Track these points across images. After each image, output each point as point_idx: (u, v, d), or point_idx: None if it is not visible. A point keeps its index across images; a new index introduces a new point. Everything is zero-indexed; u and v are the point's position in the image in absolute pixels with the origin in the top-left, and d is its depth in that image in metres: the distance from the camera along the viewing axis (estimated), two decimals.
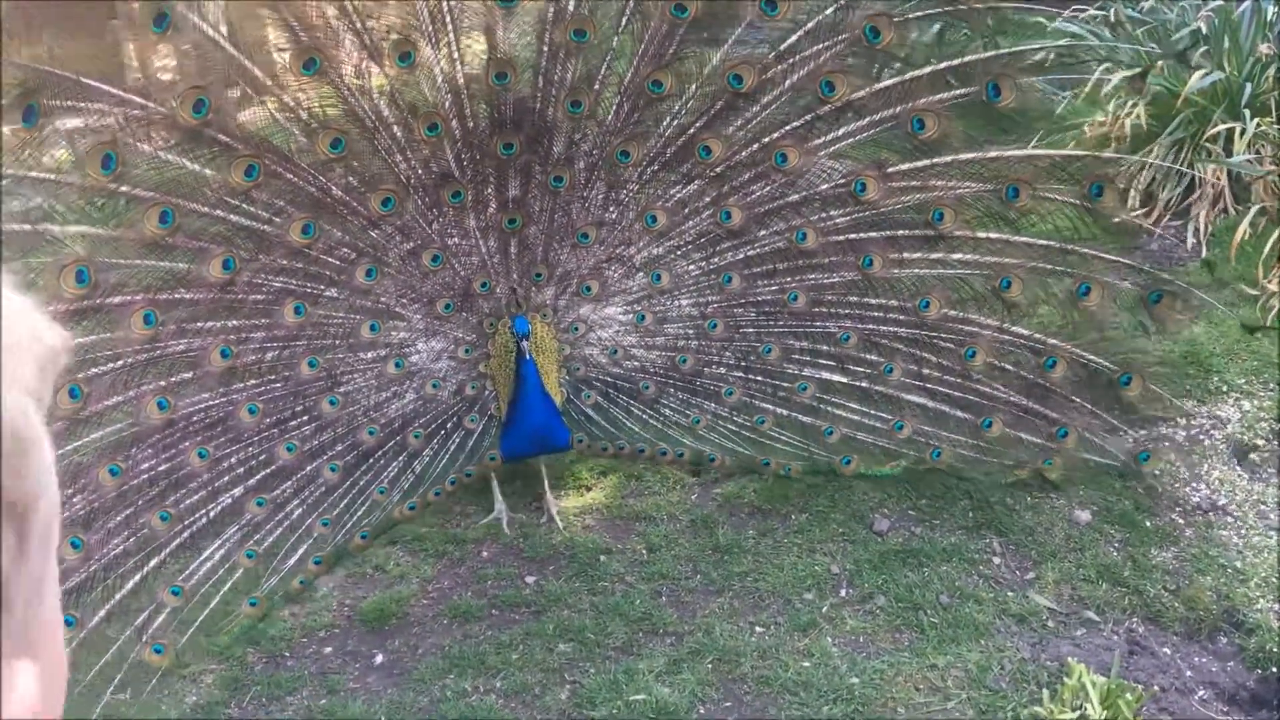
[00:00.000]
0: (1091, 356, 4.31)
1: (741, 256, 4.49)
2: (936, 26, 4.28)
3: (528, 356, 4.19)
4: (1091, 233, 4.22)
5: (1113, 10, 6.45)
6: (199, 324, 3.99)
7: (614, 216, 4.45)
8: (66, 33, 3.75)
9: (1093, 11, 6.71)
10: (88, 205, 3.72)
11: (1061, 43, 6.27)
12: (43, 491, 0.63)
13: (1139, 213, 5.84)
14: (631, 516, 4.63)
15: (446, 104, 4.12)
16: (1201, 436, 4.75)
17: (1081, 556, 4.27)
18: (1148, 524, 4.36)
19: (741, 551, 4.37)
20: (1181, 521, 4.37)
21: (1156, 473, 4.51)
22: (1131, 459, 4.45)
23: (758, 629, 4.09)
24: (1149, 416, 4.61)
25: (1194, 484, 4.54)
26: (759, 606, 4.19)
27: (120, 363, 3.85)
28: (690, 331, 4.60)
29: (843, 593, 4.23)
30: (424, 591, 4.29)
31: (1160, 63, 6.10)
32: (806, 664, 3.90)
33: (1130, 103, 6.03)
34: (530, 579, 4.32)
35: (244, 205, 3.96)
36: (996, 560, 4.32)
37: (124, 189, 3.72)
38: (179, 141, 3.82)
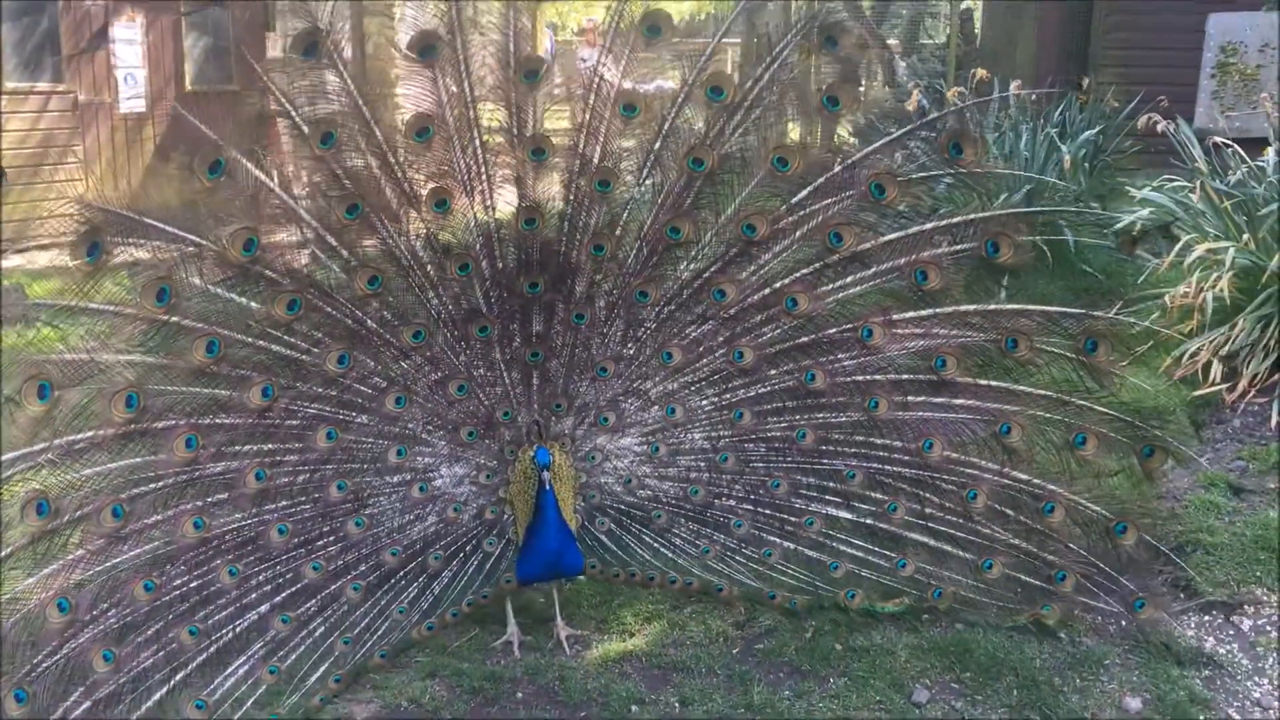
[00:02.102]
0: (1087, 503, 4.48)
1: (753, 394, 4.69)
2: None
3: (548, 487, 4.37)
4: (1085, 385, 4.41)
5: (1198, 183, 6.66)
6: (236, 447, 4.21)
7: (632, 352, 4.67)
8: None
9: (1180, 183, 6.94)
10: (141, 335, 3.99)
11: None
12: None
13: (1222, 387, 5.96)
14: (669, 666, 4.60)
15: (477, 246, 4.40)
16: (1269, 628, 4.67)
17: None
18: (1201, 717, 4.23)
19: (774, 712, 4.29)
20: (1238, 717, 4.24)
21: (1150, 620, 4.57)
22: (1126, 606, 4.57)
23: None
24: (1220, 602, 4.68)
25: (1255, 678, 4.44)
26: None
27: (161, 483, 4.08)
28: (702, 464, 4.78)
29: None
30: None
31: (1245, 236, 6.28)
32: None
33: (1214, 275, 6.14)
34: None
35: (285, 336, 4.24)
36: None
37: (175, 320, 4.01)
38: (229, 277, 4.12)
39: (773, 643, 4.71)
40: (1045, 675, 4.43)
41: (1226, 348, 6.06)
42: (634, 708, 4.36)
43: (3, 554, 3.83)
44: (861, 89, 15.81)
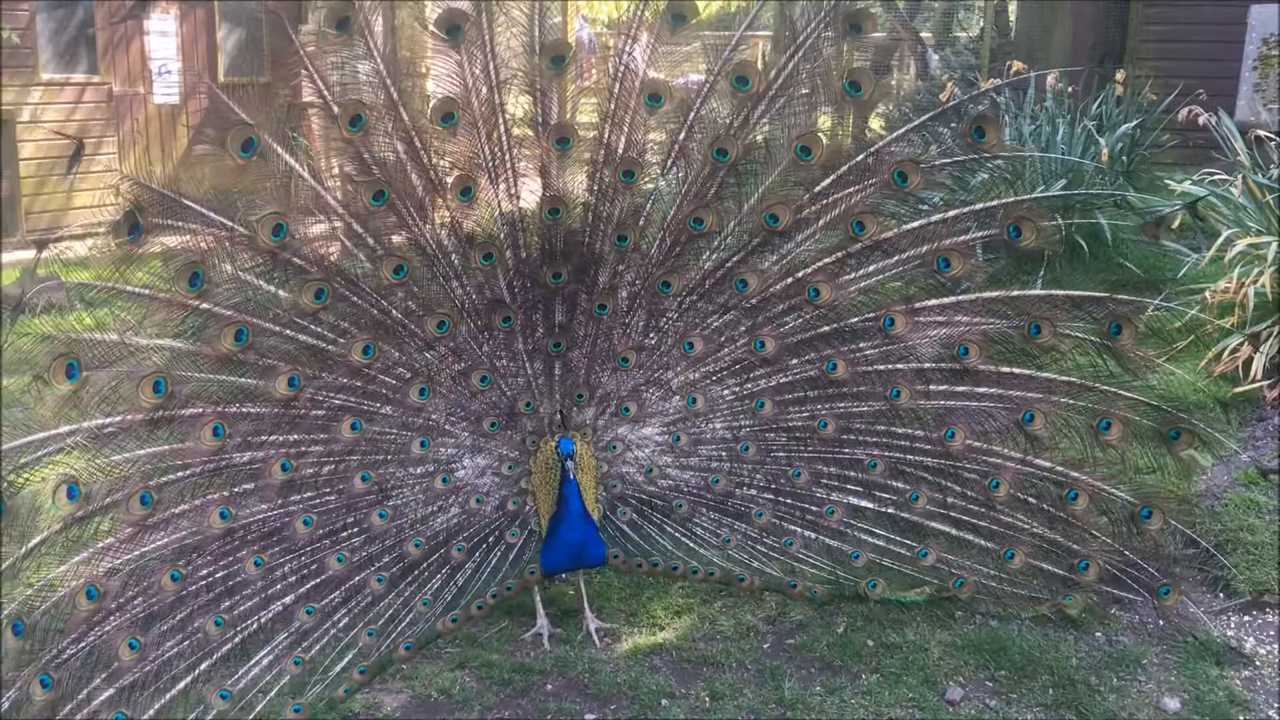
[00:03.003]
0: (1111, 490, 4.48)
1: (774, 383, 4.69)
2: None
3: (571, 477, 4.37)
4: (1110, 370, 4.41)
5: (1240, 177, 6.58)
6: (263, 437, 4.21)
7: (653, 342, 4.68)
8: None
9: (1222, 176, 6.87)
10: (172, 320, 3.99)
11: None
12: None
13: (1263, 384, 5.88)
14: (699, 660, 4.58)
15: (501, 235, 4.41)
16: None
17: None
18: (1241, 718, 4.15)
19: (805, 708, 4.25)
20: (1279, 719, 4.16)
21: (1174, 607, 4.58)
22: (1150, 593, 4.58)
23: None
24: (1260, 601, 4.65)
25: None
26: None
27: (188, 472, 4.08)
28: (723, 453, 4.78)
29: None
30: None
31: None
32: None
33: (1256, 270, 6.03)
34: (590, 717, 4.28)
35: (311, 326, 4.24)
36: None
37: (205, 306, 4.03)
38: (258, 263, 4.14)
39: (804, 638, 4.69)
40: (1081, 674, 4.39)
41: (1268, 344, 5.94)
42: (664, 701, 4.34)
43: (34, 541, 3.83)
44: (893, 81, 15.75)
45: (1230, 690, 4.29)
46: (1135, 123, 9.25)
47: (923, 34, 17.93)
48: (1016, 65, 9.42)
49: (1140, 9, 12.20)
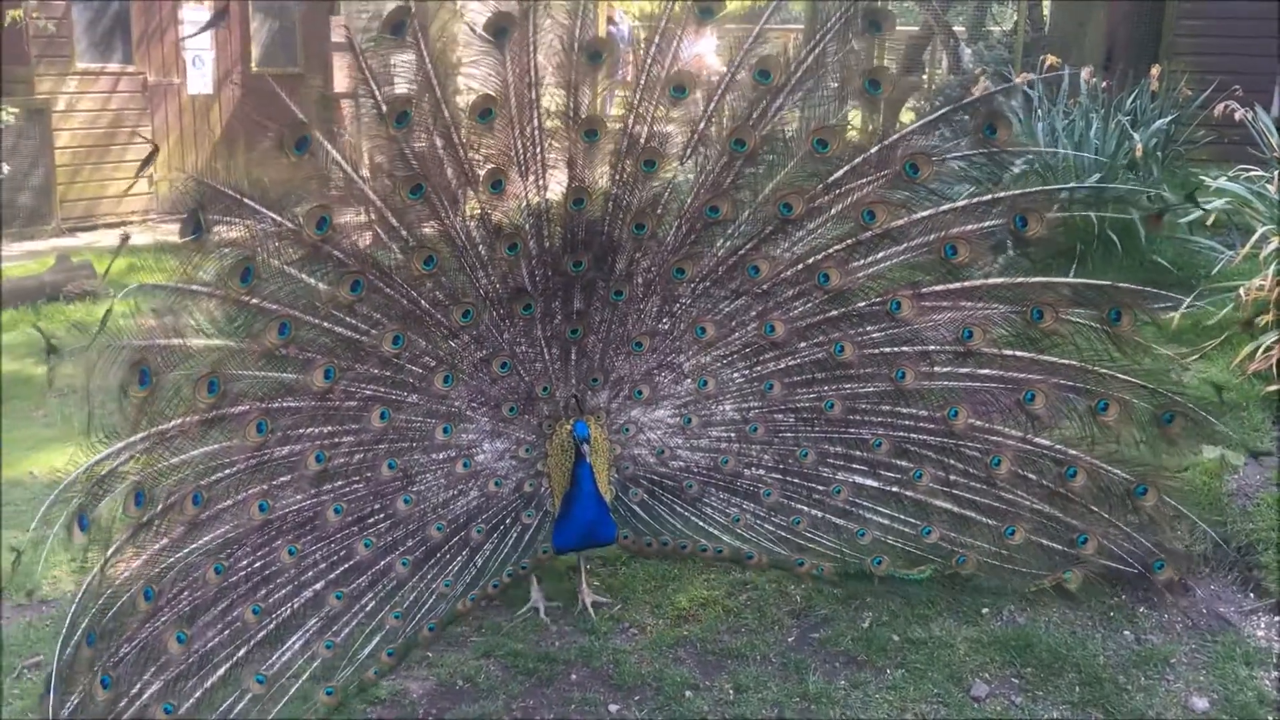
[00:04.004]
0: (1109, 467, 4.69)
1: (782, 366, 4.82)
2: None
3: (586, 460, 4.49)
4: (1110, 355, 4.61)
5: (1276, 174, 6.54)
6: (300, 430, 4.27)
7: (666, 327, 4.79)
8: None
9: (1258, 172, 6.83)
10: (224, 317, 4.04)
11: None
12: None
13: None
14: (724, 653, 4.64)
15: (527, 226, 4.48)
16: None
17: None
18: (1270, 718, 4.14)
19: (830, 702, 4.30)
20: None
21: (1168, 581, 4.77)
22: (1146, 568, 4.80)
23: None
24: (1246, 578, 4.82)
25: None
26: None
27: (234, 469, 4.13)
28: (732, 434, 4.91)
29: None
30: (508, 710, 4.36)
31: None
32: None
33: None
34: (613, 708, 4.36)
35: (347, 318, 4.31)
36: None
37: (254, 301, 4.07)
38: (301, 256, 4.19)
39: (829, 632, 4.77)
40: (1109, 672, 4.42)
41: None
42: (688, 693, 4.41)
43: (111, 550, 3.88)
44: (925, 75, 15.77)
45: (1260, 691, 4.31)
46: (1170, 118, 9.05)
47: (955, 28, 17.77)
48: (1050, 60, 9.30)
49: (1176, 4, 12.00)
